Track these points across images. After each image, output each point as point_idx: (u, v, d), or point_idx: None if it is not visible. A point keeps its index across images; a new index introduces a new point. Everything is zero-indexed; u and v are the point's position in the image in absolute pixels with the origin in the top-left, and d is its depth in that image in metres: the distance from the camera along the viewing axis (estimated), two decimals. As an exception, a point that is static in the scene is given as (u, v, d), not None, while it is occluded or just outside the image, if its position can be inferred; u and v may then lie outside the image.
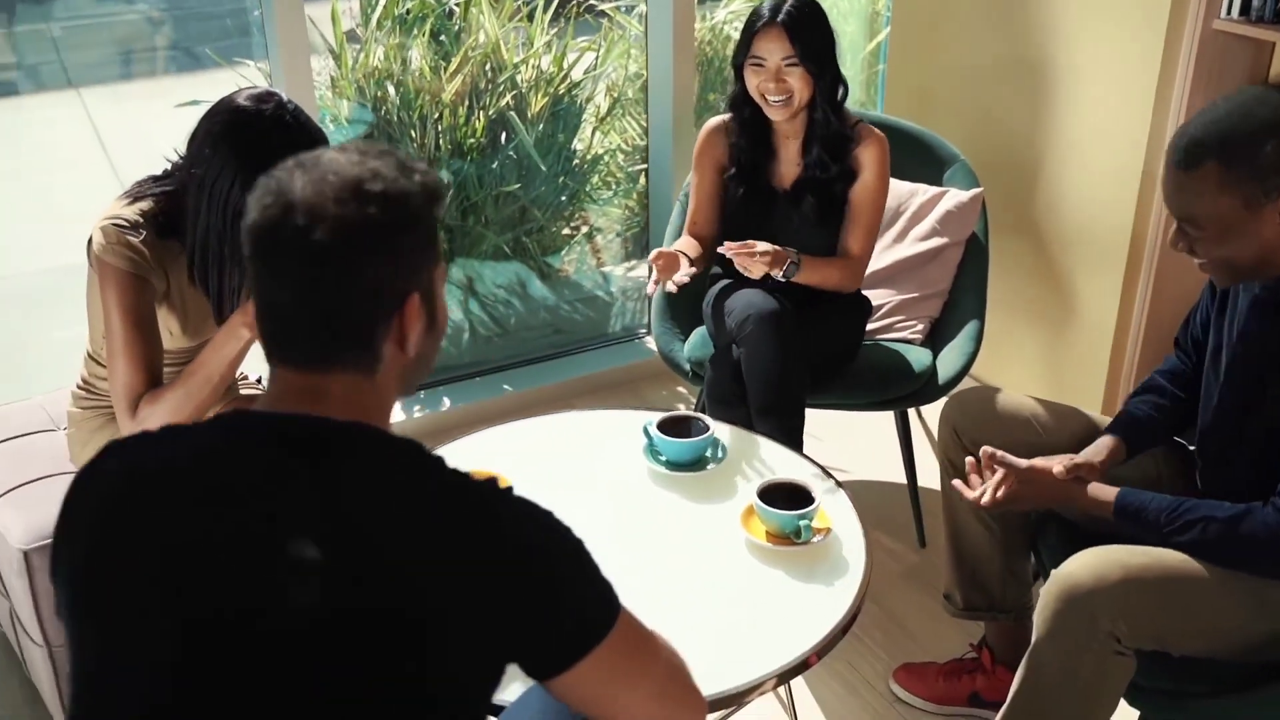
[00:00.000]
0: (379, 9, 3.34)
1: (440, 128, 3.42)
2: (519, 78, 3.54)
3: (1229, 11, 2.55)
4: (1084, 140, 2.97)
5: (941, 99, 3.36)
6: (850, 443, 3.07)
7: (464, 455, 2.12)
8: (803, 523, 1.86)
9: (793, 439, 2.37)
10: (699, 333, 2.71)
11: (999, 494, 1.91)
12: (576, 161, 3.74)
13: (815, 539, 1.88)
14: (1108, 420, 2.17)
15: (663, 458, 2.11)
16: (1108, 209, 2.94)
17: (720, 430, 2.18)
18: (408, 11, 3.39)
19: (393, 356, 1.13)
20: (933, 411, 2.89)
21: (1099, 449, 1.97)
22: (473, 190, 3.49)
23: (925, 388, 2.63)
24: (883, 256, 2.88)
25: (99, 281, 1.94)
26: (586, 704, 1.16)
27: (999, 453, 1.93)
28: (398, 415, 3.26)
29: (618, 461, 2.14)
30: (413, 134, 3.40)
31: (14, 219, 4.16)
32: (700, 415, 2.18)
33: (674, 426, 2.13)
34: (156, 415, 1.92)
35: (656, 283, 2.43)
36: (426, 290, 1.14)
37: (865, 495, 2.82)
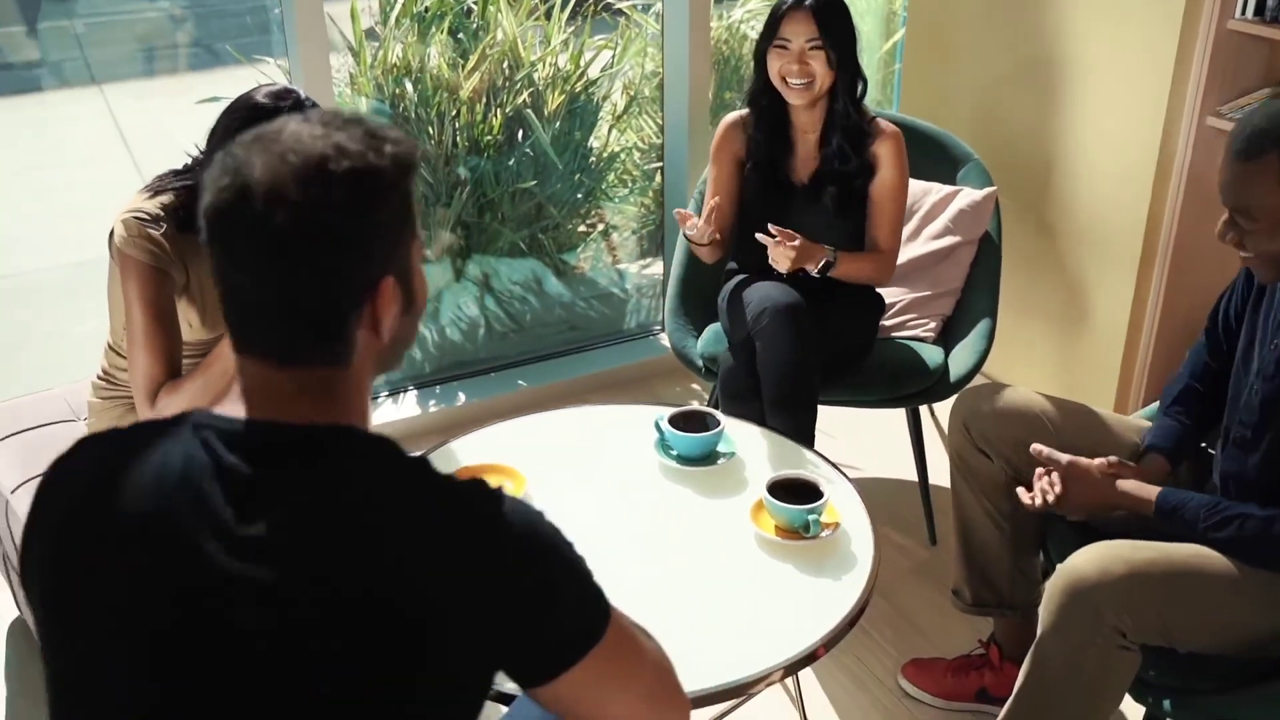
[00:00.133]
0: (398, 7, 3.37)
1: (458, 125, 3.44)
2: (536, 75, 3.56)
3: (1244, 12, 2.55)
4: (1097, 140, 2.97)
5: (956, 99, 3.37)
6: (862, 440, 3.08)
7: (477, 448, 2.14)
8: (811, 517, 1.88)
9: (805, 433, 2.39)
10: (713, 329, 2.73)
11: (1050, 498, 1.92)
12: (593, 159, 3.76)
13: (824, 533, 1.90)
14: (1118, 417, 2.18)
15: (674, 452, 2.13)
16: (1121, 209, 2.94)
17: (731, 425, 2.19)
18: (426, 9, 3.41)
19: (367, 342, 1.05)
20: (944, 409, 2.90)
21: (1145, 466, 1.99)
22: (489, 187, 3.52)
23: (937, 385, 2.64)
24: (896, 254, 2.89)
25: (120, 273, 1.97)
26: (576, 711, 1.11)
27: (1045, 450, 1.95)
28: (412, 410, 3.29)
29: (629, 455, 2.16)
30: (430, 130, 3.42)
31: (37, 214, 4.21)
32: (711, 410, 2.20)
33: (685, 421, 2.15)
34: (175, 405, 1.95)
35: (691, 226, 2.51)
36: (402, 269, 1.05)
37: (876, 492, 2.84)
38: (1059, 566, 1.80)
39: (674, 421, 2.14)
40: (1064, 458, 1.94)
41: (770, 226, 2.43)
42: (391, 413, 3.27)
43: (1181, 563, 1.77)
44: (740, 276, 2.62)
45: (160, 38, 4.89)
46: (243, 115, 1.91)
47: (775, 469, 2.10)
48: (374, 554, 0.99)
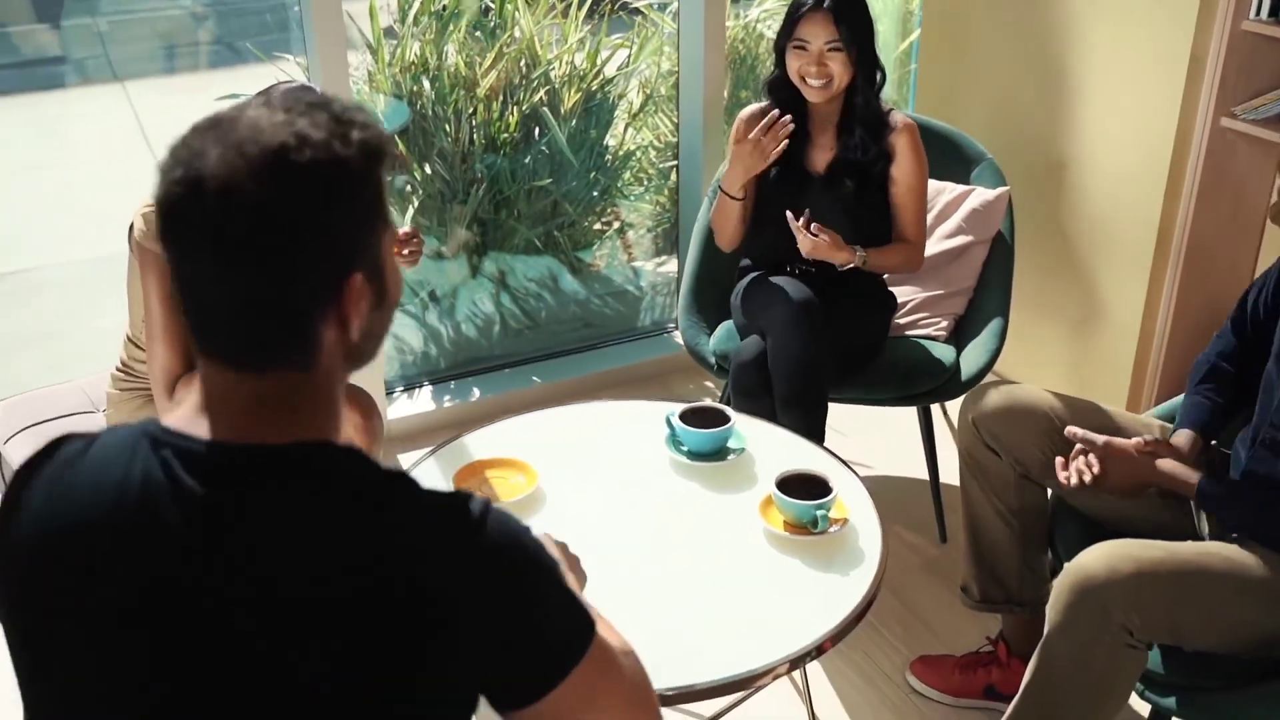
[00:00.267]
0: (416, 5, 3.40)
1: (475, 122, 3.47)
2: (553, 74, 3.58)
3: (1258, 12, 2.55)
4: (1111, 140, 2.98)
5: (970, 98, 3.37)
6: (873, 438, 3.09)
7: (490, 443, 2.16)
8: (820, 513, 1.89)
9: (816, 430, 2.40)
10: (725, 326, 2.75)
11: (1086, 478, 1.92)
12: (608, 157, 3.78)
13: (832, 529, 1.91)
14: (1130, 415, 2.18)
15: (684, 447, 2.14)
16: (1134, 209, 2.94)
17: (741, 421, 2.21)
18: (444, 7, 3.44)
19: (335, 341, 0.97)
20: (956, 408, 2.91)
21: (1178, 442, 1.99)
22: (505, 184, 3.54)
23: (949, 384, 2.65)
24: (909, 253, 2.90)
25: (139, 267, 2.00)
26: None
27: (1080, 431, 1.96)
28: (426, 405, 3.31)
29: (640, 451, 2.17)
30: (447, 128, 3.45)
31: (58, 209, 4.25)
32: (722, 406, 2.21)
33: (696, 417, 2.16)
34: (192, 398, 1.98)
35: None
36: (371, 264, 0.97)
37: (887, 490, 2.85)
38: (1067, 564, 1.81)
39: (685, 417, 2.15)
40: (1100, 438, 1.94)
41: (805, 218, 2.44)
42: (406, 407, 3.30)
43: (1190, 562, 1.78)
44: (754, 274, 2.64)
45: (182, 35, 4.93)
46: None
47: (785, 465, 2.11)
48: (359, 558, 0.94)
